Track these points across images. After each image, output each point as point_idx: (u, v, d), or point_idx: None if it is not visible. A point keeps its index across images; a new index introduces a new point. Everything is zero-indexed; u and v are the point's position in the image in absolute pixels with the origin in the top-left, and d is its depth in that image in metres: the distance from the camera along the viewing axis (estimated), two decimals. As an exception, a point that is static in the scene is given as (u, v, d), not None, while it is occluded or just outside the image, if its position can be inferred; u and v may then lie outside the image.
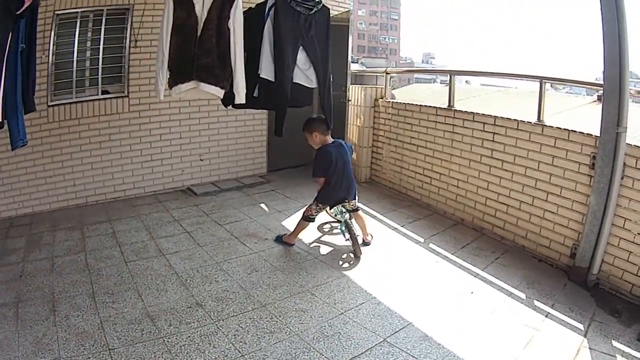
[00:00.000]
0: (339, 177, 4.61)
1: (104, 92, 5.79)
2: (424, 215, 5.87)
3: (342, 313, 3.62)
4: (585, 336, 3.41)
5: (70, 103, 5.53)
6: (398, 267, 4.48)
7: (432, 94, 8.82)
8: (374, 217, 5.75)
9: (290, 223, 5.29)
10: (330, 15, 4.68)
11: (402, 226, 5.48)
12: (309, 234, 4.99)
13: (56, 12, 5.13)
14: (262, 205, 6.14)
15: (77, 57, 5.45)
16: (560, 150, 4.44)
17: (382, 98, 6.98)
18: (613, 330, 3.50)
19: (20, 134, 3.76)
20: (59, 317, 3.39)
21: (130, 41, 5.76)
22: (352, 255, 4.70)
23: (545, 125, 4.58)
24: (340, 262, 4.55)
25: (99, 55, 5.61)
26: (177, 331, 3.29)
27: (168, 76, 4.12)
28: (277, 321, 3.48)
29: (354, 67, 7.97)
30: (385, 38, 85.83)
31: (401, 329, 3.43)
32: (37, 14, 3.84)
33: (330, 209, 4.85)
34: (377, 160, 7.16)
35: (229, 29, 4.06)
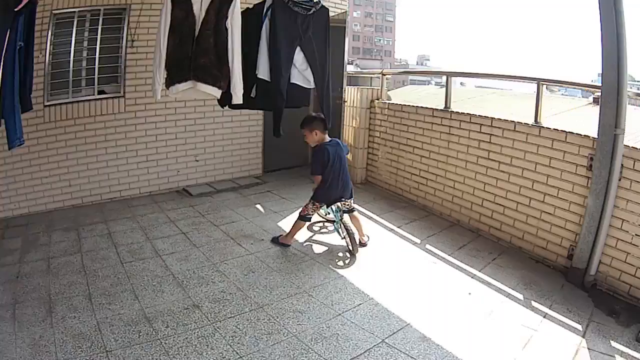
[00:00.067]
0: (336, 175, 4.63)
1: (100, 92, 5.77)
2: (420, 217, 5.86)
3: (339, 314, 3.61)
4: (583, 337, 3.41)
5: (66, 103, 5.51)
6: (395, 268, 4.47)
7: (427, 96, 8.84)
8: (370, 218, 5.74)
9: (286, 224, 5.27)
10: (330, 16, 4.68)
11: (398, 227, 5.47)
12: (300, 235, 4.97)
13: (53, 12, 5.11)
14: (258, 206, 6.13)
15: (73, 56, 5.43)
16: (558, 152, 4.44)
17: (378, 99, 6.97)
18: (611, 330, 3.50)
19: (17, 134, 3.74)
20: (56, 319, 3.37)
21: (127, 41, 5.74)
22: (347, 254, 4.70)
23: (543, 127, 4.59)
24: (337, 262, 4.55)
25: (95, 55, 5.59)
26: (174, 333, 3.28)
27: (165, 76, 4.11)
28: (274, 322, 3.46)
29: (348, 69, 7.96)
30: (380, 40, 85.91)
31: (399, 330, 3.42)
32: (36, 12, 3.82)
33: (327, 208, 4.85)
34: (373, 161, 7.15)
35: (226, 29, 4.05)
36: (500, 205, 5.09)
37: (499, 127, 5.01)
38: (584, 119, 6.13)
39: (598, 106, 4.05)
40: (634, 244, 3.86)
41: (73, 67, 5.46)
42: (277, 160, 7.67)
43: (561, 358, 3.17)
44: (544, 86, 4.83)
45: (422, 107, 6.16)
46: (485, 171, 5.22)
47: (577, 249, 4.22)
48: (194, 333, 3.28)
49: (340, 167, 4.66)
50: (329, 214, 5.21)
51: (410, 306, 3.75)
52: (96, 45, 5.57)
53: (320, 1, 4.51)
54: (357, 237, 4.75)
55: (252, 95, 4.52)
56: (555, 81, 5.24)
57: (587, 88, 5.46)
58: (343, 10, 7.39)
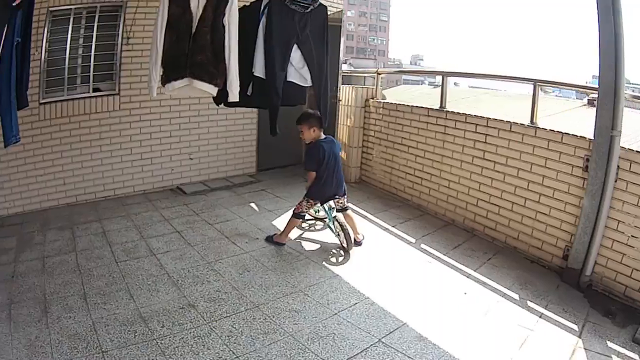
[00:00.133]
0: (330, 173, 4.65)
1: (95, 90, 5.73)
2: (414, 216, 5.87)
3: (335, 313, 3.61)
4: (580, 337, 3.43)
5: (61, 100, 5.47)
6: (390, 267, 4.47)
7: (420, 95, 8.87)
8: (365, 217, 5.74)
9: (281, 222, 5.27)
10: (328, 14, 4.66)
11: (393, 226, 5.48)
12: (291, 233, 4.95)
13: (50, 9, 5.07)
14: (252, 204, 6.12)
15: (69, 54, 5.39)
16: (554, 153, 4.45)
17: (373, 98, 6.97)
18: (607, 331, 3.52)
19: (13, 131, 3.69)
20: (51, 319, 3.34)
21: (122, 38, 5.71)
22: (341, 252, 4.71)
23: (539, 128, 4.60)
24: (331, 260, 4.56)
25: (91, 52, 5.55)
26: (170, 333, 3.26)
27: (161, 73, 4.08)
28: (270, 322, 3.46)
29: (342, 68, 7.96)
30: (374, 39, 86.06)
31: (396, 330, 3.42)
32: (34, 7, 3.79)
33: (320, 205, 4.85)
34: (367, 160, 7.14)
35: (224, 26, 4.01)
36: (495, 205, 5.10)
37: (495, 127, 5.02)
38: (578, 120, 6.17)
39: (592, 108, 4.07)
40: (630, 245, 3.87)
41: (68, 64, 5.42)
42: (271, 158, 7.65)
43: (558, 358, 3.19)
44: (540, 87, 4.84)
45: (417, 106, 6.16)
46: (481, 171, 5.22)
47: (573, 250, 4.24)
48: (190, 333, 3.27)
49: (335, 165, 4.69)
50: (318, 212, 5.22)
51: (406, 305, 3.75)
52: (92, 42, 5.53)
53: (317, -1, 4.50)
54: (352, 235, 4.74)
55: (248, 93, 4.49)
56: (552, 82, 5.25)
57: (582, 89, 5.47)
58: (339, 9, 7.39)
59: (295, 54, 4.45)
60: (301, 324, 3.44)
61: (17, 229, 4.98)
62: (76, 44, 5.49)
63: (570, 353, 3.23)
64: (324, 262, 4.50)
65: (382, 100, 6.84)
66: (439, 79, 6.12)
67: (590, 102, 7.78)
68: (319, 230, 5.28)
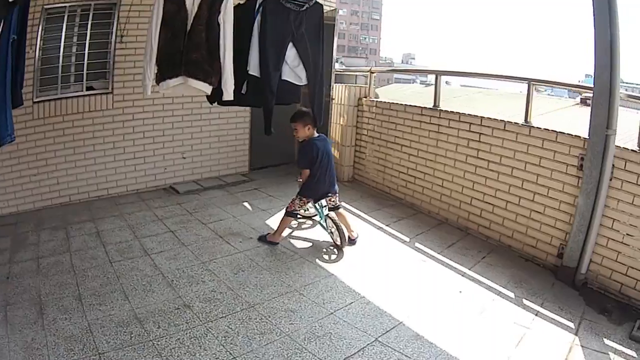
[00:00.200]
0: (324, 171, 4.66)
1: (88, 88, 5.69)
2: (408, 215, 5.88)
3: (331, 313, 3.61)
4: (576, 334, 3.45)
5: (55, 99, 5.42)
6: (385, 266, 4.48)
7: (412, 94, 8.87)
8: (358, 216, 5.74)
9: (274, 222, 5.26)
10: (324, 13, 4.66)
11: (387, 225, 5.49)
12: (284, 231, 4.95)
13: (45, 6, 5.03)
14: (246, 203, 6.10)
15: (63, 52, 5.35)
16: (548, 152, 4.47)
17: (366, 97, 6.97)
18: (604, 328, 3.55)
19: (8, 130, 3.65)
20: (47, 321, 3.31)
21: (116, 37, 5.67)
22: (335, 250, 4.73)
23: (533, 127, 4.61)
24: (325, 258, 4.57)
25: (84, 50, 5.51)
26: (166, 333, 3.24)
27: (156, 71, 4.06)
28: (266, 322, 3.45)
29: (335, 67, 7.97)
30: (365, 38, 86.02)
31: (392, 329, 3.43)
32: (29, 4, 3.76)
33: (313, 203, 4.84)
34: (360, 159, 7.14)
35: (219, 24, 4.00)
36: (489, 204, 5.11)
37: (489, 126, 5.03)
38: (571, 119, 6.17)
39: (585, 107, 4.08)
40: (625, 243, 3.90)
41: (62, 62, 5.39)
42: (264, 157, 7.63)
43: (555, 355, 3.21)
44: (534, 86, 4.85)
45: (410, 105, 6.17)
46: (475, 170, 5.24)
47: (568, 248, 4.26)
48: (186, 334, 3.25)
49: (328, 163, 4.70)
50: (307, 210, 5.22)
51: (402, 304, 3.76)
52: (86, 40, 5.49)
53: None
54: (346, 233, 4.74)
55: (242, 91, 4.48)
56: (547, 81, 5.27)
57: (577, 89, 5.49)
58: (332, 8, 7.37)
59: (290, 52, 4.45)
60: (297, 324, 3.44)
61: (11, 229, 4.94)
62: (70, 42, 5.45)
63: (567, 350, 3.25)
64: (318, 261, 4.50)
65: (375, 99, 6.84)
66: (431, 77, 6.13)
67: (583, 101, 7.80)
68: (307, 228, 5.29)
